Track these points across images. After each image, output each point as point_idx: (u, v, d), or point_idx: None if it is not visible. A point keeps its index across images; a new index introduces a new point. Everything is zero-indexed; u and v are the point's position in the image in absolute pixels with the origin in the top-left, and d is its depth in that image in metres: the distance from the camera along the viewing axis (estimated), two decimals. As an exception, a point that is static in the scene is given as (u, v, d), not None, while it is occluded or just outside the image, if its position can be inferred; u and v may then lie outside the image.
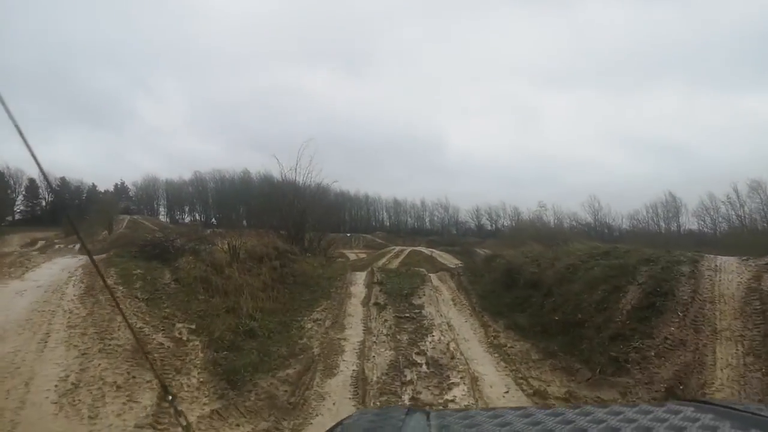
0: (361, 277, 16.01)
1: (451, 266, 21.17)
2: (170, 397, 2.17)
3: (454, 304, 13.11)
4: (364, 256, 61.14)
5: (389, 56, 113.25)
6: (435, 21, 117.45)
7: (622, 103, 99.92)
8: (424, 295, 13.46)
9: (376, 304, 12.47)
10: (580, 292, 9.89)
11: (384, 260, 52.92)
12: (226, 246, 13.58)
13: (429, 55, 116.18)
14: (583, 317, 9.27)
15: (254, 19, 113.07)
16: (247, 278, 12.35)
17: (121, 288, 9.41)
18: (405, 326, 10.90)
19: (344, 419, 1.11)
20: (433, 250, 53.19)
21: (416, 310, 12.07)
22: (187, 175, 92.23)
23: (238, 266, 12.77)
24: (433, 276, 16.32)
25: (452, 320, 11.70)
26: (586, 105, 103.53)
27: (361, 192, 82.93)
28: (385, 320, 11.28)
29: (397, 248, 56.27)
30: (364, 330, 10.70)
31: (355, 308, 12.33)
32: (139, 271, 10.87)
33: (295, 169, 18.16)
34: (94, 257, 13.02)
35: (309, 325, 10.66)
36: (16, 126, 1.79)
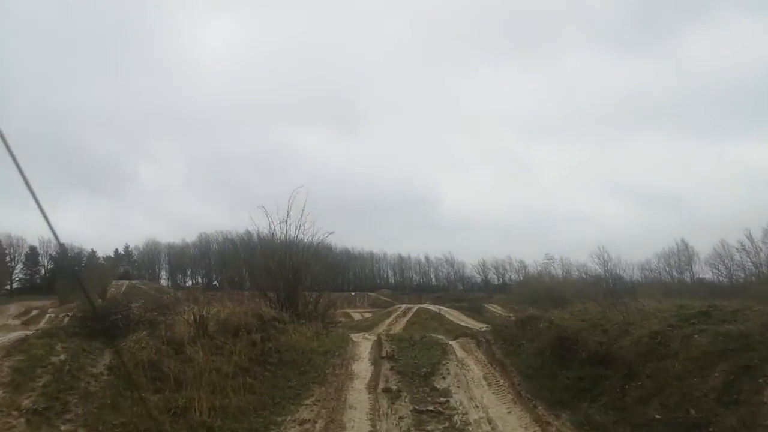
0: (365, 348, 12.62)
1: (475, 330, 17.75)
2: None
3: (489, 386, 9.68)
4: (369, 315, 57.16)
5: (380, 114, 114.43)
6: (424, 78, 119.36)
7: (610, 153, 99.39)
8: (448, 373, 10.04)
9: (386, 390, 9.07)
10: (684, 373, 6.60)
11: (390, 319, 49.00)
12: (193, 316, 10.36)
13: (419, 111, 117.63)
14: (701, 415, 5.96)
15: (245, 79, 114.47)
16: (215, 360, 9.06)
17: (1, 392, 6.14)
18: (429, 427, 7.50)
19: None
20: (441, 307, 49.25)
21: (441, 398, 8.67)
22: (190, 238, 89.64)
23: (205, 343, 9.51)
24: (454, 344, 12.91)
25: (491, 411, 8.27)
26: (576, 156, 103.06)
27: (366, 249, 79.91)
28: (401, 417, 7.87)
29: (404, 306, 52.27)
30: (371, 434, 7.33)
31: (358, 397, 8.93)
32: (58, 357, 7.64)
33: (286, 221, 15.35)
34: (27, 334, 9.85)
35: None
36: (29, 187, 2.04)
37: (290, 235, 15.43)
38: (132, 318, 10.43)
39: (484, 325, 42.79)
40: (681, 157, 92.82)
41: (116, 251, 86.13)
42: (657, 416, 6.39)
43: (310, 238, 15.89)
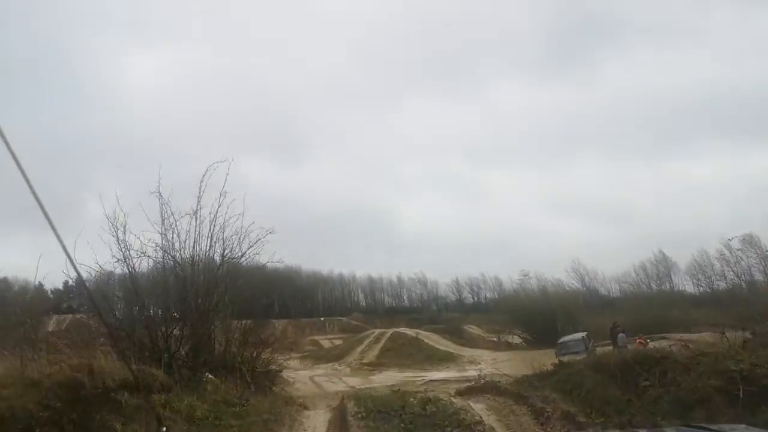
0: (321, 422, 6.31)
1: (491, 373, 11.64)
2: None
3: None
4: (339, 342, 49.88)
5: (325, 142, 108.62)
6: (363, 108, 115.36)
7: (553, 175, 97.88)
8: None
9: None
10: None
11: (363, 346, 42.08)
12: None
13: (364, 139, 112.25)
14: None
15: (180, 110, 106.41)
16: None
17: None
18: None
19: None
20: (418, 330, 42.81)
21: None
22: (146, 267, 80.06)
23: None
24: (480, 410, 6.70)
25: None
26: (523, 179, 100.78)
27: (335, 272, 72.81)
28: None
29: (377, 331, 45.41)
30: None
31: None
32: None
33: (196, 216, 9.02)
34: None
35: None
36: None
37: (200, 237, 9.08)
38: None
39: (472, 350, 36.73)
40: (621, 174, 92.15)
41: (65, 284, 75.94)
42: None
43: (235, 250, 9.46)
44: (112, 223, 8.08)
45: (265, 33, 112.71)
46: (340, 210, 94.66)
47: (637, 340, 25.69)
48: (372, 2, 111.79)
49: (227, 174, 9.04)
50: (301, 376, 30.68)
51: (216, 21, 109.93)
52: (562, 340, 26.57)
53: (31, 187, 1.79)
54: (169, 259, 8.74)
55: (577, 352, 24.55)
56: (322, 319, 63.70)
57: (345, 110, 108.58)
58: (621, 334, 25.94)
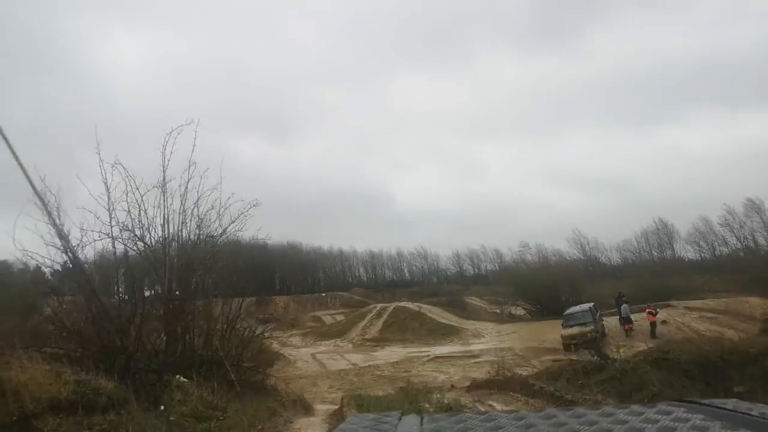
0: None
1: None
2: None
3: None
4: (341, 318, 49.10)
5: (316, 119, 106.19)
6: (352, 83, 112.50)
7: (545, 146, 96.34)
8: None
9: None
10: None
11: (365, 322, 41.11)
12: None
13: (355, 115, 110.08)
14: None
15: (168, 91, 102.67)
16: None
17: None
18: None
19: (340, 425, 1.06)
20: (420, 305, 41.86)
21: None
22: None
23: None
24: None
25: None
26: (515, 151, 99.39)
27: (335, 248, 71.72)
28: None
29: (379, 306, 44.47)
30: None
31: None
32: None
33: (162, 189, 7.50)
34: None
35: None
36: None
37: (173, 214, 7.60)
38: None
39: (475, 323, 35.68)
40: (614, 144, 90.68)
41: (64, 264, 74.85)
42: None
43: (214, 226, 7.96)
44: (42, 204, 6.52)
45: (252, 13, 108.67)
46: (337, 188, 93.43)
47: (646, 311, 24.57)
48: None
49: (195, 139, 7.47)
50: (302, 354, 29.80)
51: (201, 2, 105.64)
52: (568, 311, 25.44)
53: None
54: (133, 239, 7.27)
55: (584, 323, 23.47)
56: (324, 294, 62.93)
57: (336, 88, 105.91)
58: (624, 305, 24.81)
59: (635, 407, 1.03)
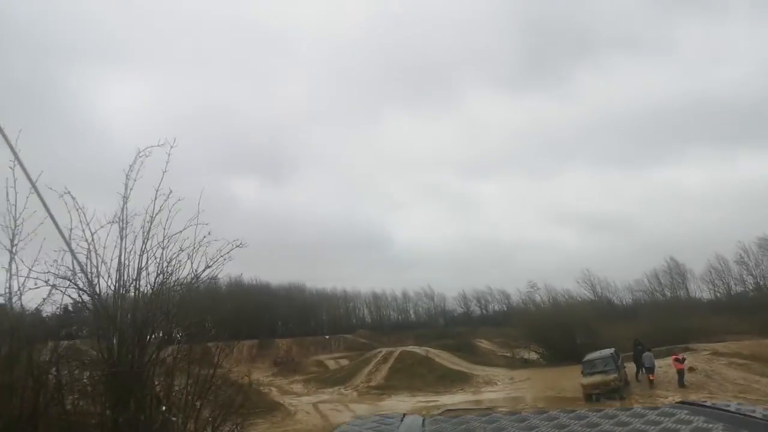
0: None
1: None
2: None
3: None
4: (345, 362, 46.83)
5: (310, 162, 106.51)
6: (344, 127, 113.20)
7: (542, 186, 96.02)
8: None
9: None
10: None
11: (370, 367, 38.85)
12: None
13: (349, 157, 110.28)
14: None
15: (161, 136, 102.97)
16: None
17: None
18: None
19: (340, 425, 1.06)
20: (428, 349, 39.72)
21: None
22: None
23: None
24: None
25: None
26: (513, 191, 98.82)
27: (338, 288, 69.88)
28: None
29: (385, 350, 42.22)
30: None
31: None
32: None
33: (120, 224, 6.14)
34: None
35: None
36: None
37: (132, 255, 6.14)
38: None
39: (486, 368, 33.49)
40: (611, 183, 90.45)
41: (65, 308, 73.16)
42: None
43: (183, 270, 6.35)
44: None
45: (243, 60, 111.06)
46: (335, 228, 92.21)
47: (672, 358, 22.65)
48: (349, 22, 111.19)
49: (167, 163, 6.16)
50: (303, 403, 27.80)
51: (192, 49, 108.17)
52: (588, 357, 23.45)
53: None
54: (80, 288, 5.86)
55: (606, 371, 21.50)
56: (327, 336, 60.69)
57: (326, 132, 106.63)
58: (648, 353, 22.82)
59: (638, 409, 1.03)
